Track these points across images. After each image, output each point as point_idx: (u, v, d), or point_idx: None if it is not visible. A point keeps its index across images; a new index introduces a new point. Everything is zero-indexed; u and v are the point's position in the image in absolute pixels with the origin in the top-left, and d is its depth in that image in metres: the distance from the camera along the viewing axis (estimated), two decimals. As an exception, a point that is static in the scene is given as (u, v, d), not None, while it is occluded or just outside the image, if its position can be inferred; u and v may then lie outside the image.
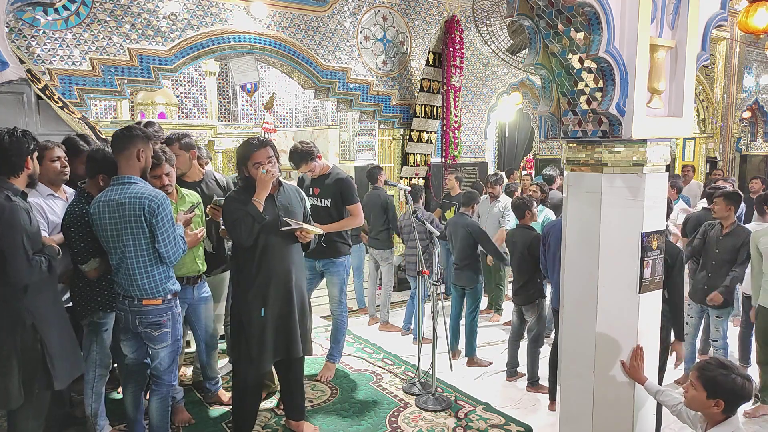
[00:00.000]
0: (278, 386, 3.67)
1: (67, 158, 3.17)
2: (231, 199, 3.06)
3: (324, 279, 4.29)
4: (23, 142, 2.50)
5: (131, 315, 2.82)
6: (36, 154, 2.62)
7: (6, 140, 2.46)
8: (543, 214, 5.39)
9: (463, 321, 4.80)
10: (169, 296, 2.86)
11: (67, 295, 3.08)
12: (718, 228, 4.25)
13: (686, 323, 4.39)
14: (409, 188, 4.73)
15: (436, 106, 6.94)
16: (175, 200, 3.30)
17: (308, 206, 3.45)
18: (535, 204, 4.45)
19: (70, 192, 3.25)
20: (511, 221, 5.68)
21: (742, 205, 6.00)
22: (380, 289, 5.85)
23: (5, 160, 2.47)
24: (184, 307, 3.35)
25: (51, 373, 2.54)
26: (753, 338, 4.44)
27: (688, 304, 4.38)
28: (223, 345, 4.11)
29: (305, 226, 3.13)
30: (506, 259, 4.73)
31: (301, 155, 4.05)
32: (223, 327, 3.98)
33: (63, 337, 2.64)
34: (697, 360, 4.11)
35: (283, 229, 3.04)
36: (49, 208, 3.04)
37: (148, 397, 3.11)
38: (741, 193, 4.28)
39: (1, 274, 2.39)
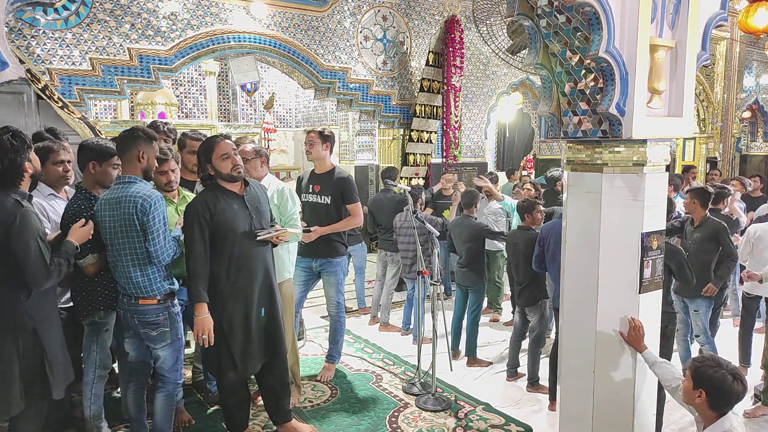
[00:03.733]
0: None
1: (70, 161, 3.17)
2: (195, 213, 2.83)
3: (321, 279, 4.28)
4: (17, 150, 2.42)
5: (129, 314, 2.84)
6: (32, 152, 2.56)
7: (4, 161, 2.38)
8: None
9: (465, 320, 4.80)
10: (165, 296, 2.87)
11: (68, 295, 3.08)
12: (690, 222, 4.33)
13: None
14: (410, 188, 4.72)
15: (436, 106, 6.94)
16: (176, 200, 3.31)
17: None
18: (540, 206, 4.45)
19: (71, 192, 3.24)
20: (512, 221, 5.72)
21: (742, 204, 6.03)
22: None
23: (4, 175, 2.41)
24: (182, 307, 3.34)
25: (49, 381, 2.50)
26: (753, 339, 4.45)
27: (673, 300, 4.39)
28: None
29: (285, 230, 3.08)
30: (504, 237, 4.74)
31: (314, 131, 4.06)
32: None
33: (60, 343, 2.61)
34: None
35: (260, 237, 2.97)
36: (51, 208, 3.03)
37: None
38: (709, 189, 4.34)
39: (8, 280, 2.37)
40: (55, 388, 2.55)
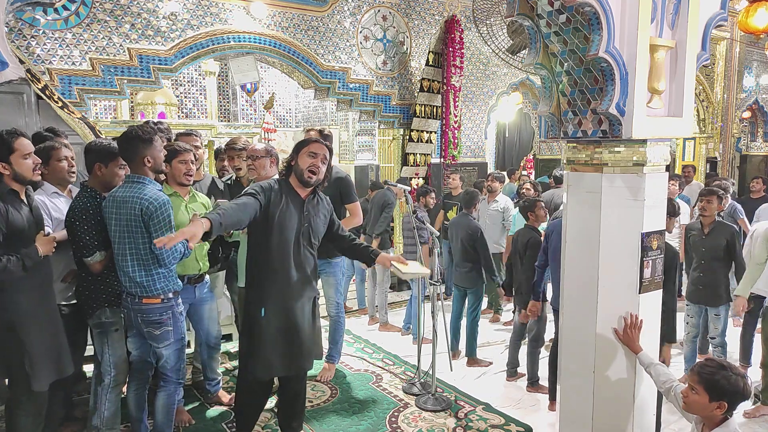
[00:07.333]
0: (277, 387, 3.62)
1: (73, 158, 3.16)
2: (263, 187, 2.85)
3: (319, 280, 4.27)
4: None
5: (133, 313, 2.85)
6: (17, 154, 2.56)
7: None
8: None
9: (464, 320, 4.80)
10: (170, 295, 2.87)
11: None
12: (699, 226, 4.26)
13: (686, 323, 4.40)
14: (410, 188, 4.71)
15: (436, 106, 6.94)
16: (186, 198, 3.31)
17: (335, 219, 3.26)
18: (541, 203, 4.45)
19: (75, 192, 3.23)
20: (512, 223, 5.72)
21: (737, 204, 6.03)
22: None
23: None
24: (186, 306, 3.33)
25: (29, 373, 2.55)
26: (754, 339, 4.45)
27: (687, 305, 4.38)
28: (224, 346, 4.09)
29: (415, 270, 3.15)
30: (496, 277, 4.76)
31: (314, 130, 4.03)
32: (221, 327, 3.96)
33: (47, 338, 2.63)
34: (697, 360, 4.11)
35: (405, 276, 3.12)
36: (53, 205, 3.03)
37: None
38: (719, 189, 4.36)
39: None
40: (35, 381, 2.59)
